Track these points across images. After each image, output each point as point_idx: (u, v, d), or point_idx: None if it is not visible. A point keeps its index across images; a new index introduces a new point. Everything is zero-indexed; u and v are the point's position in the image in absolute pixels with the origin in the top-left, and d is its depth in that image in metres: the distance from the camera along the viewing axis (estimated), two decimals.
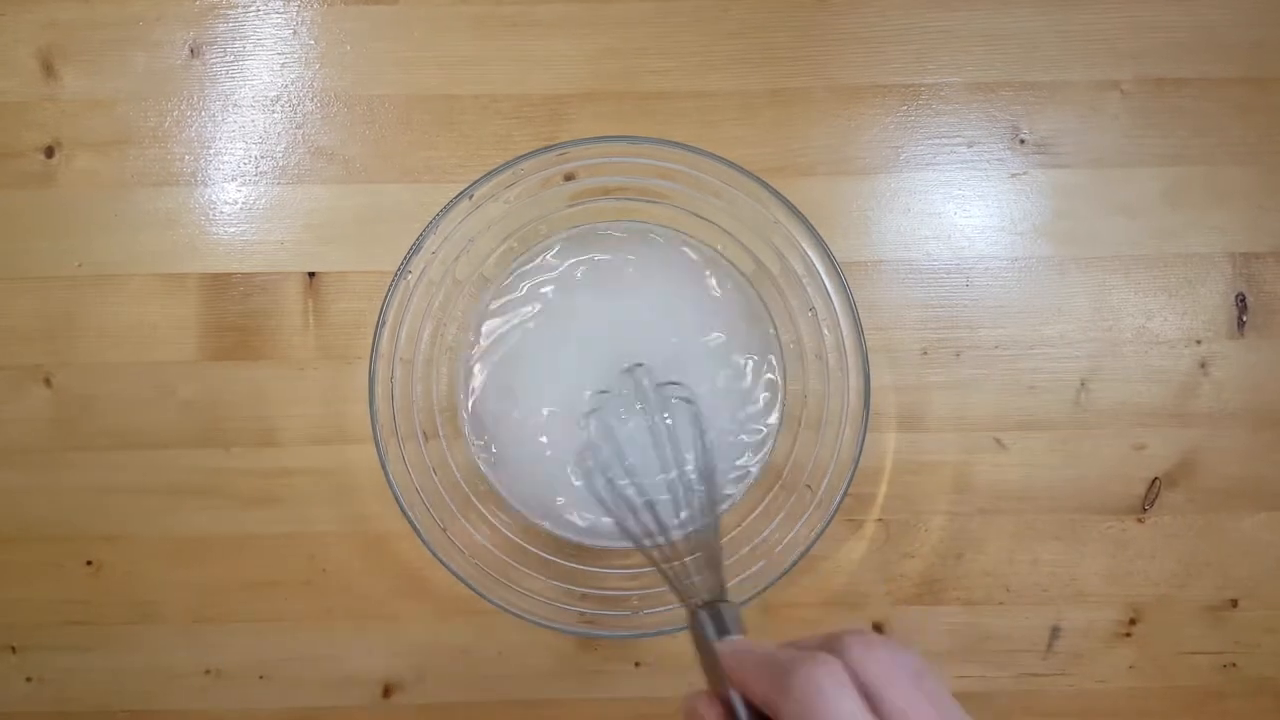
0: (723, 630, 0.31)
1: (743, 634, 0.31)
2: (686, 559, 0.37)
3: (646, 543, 0.39)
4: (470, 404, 0.50)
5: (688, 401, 0.46)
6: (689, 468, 0.44)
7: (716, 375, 0.49)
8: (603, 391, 0.48)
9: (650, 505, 0.42)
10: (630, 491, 0.43)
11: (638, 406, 0.47)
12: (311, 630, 0.52)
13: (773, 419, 0.50)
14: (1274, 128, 0.52)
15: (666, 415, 0.46)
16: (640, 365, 0.47)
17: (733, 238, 0.49)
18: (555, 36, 0.52)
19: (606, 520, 0.46)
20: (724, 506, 0.49)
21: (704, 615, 0.32)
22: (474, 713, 0.52)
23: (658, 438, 0.45)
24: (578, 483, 0.48)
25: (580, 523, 0.50)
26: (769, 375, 0.50)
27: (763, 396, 0.50)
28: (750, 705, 0.27)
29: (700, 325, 0.50)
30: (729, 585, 0.35)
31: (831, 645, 0.26)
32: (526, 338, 0.50)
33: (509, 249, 0.50)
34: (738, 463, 0.50)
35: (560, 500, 0.49)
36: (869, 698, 0.24)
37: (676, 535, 0.40)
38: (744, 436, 0.50)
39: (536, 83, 0.52)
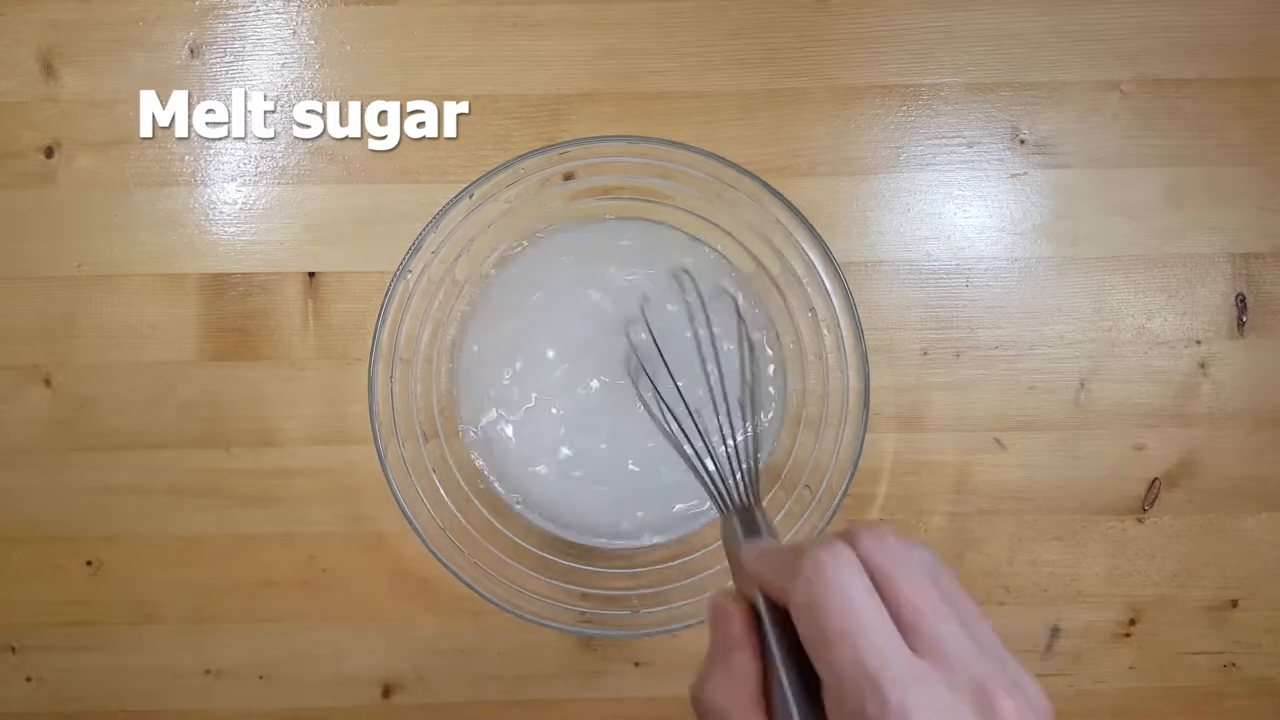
0: (752, 534, 0.32)
1: (772, 538, 0.31)
2: (724, 464, 0.37)
3: (686, 446, 0.39)
4: (468, 403, 0.50)
5: (736, 310, 0.45)
6: (734, 374, 0.44)
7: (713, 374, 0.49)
8: (646, 297, 0.48)
9: (691, 410, 0.42)
10: (672, 396, 0.43)
11: (679, 311, 0.46)
12: (311, 630, 0.52)
13: (772, 419, 0.50)
14: (1274, 128, 0.52)
15: (711, 323, 0.45)
16: (686, 273, 0.46)
17: (733, 238, 0.49)
18: (555, 36, 0.52)
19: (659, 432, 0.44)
20: (767, 417, 0.48)
21: (735, 519, 0.32)
22: (474, 713, 0.52)
23: (701, 344, 0.45)
24: (622, 380, 0.47)
25: (581, 522, 0.50)
26: (769, 376, 0.50)
27: (761, 396, 0.50)
28: (773, 604, 0.27)
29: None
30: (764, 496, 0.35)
31: (845, 536, 0.25)
32: (524, 337, 0.50)
33: (509, 248, 0.50)
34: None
35: (560, 500, 0.49)
36: (879, 587, 0.24)
37: (715, 440, 0.40)
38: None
39: (536, 83, 0.52)
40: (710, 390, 0.42)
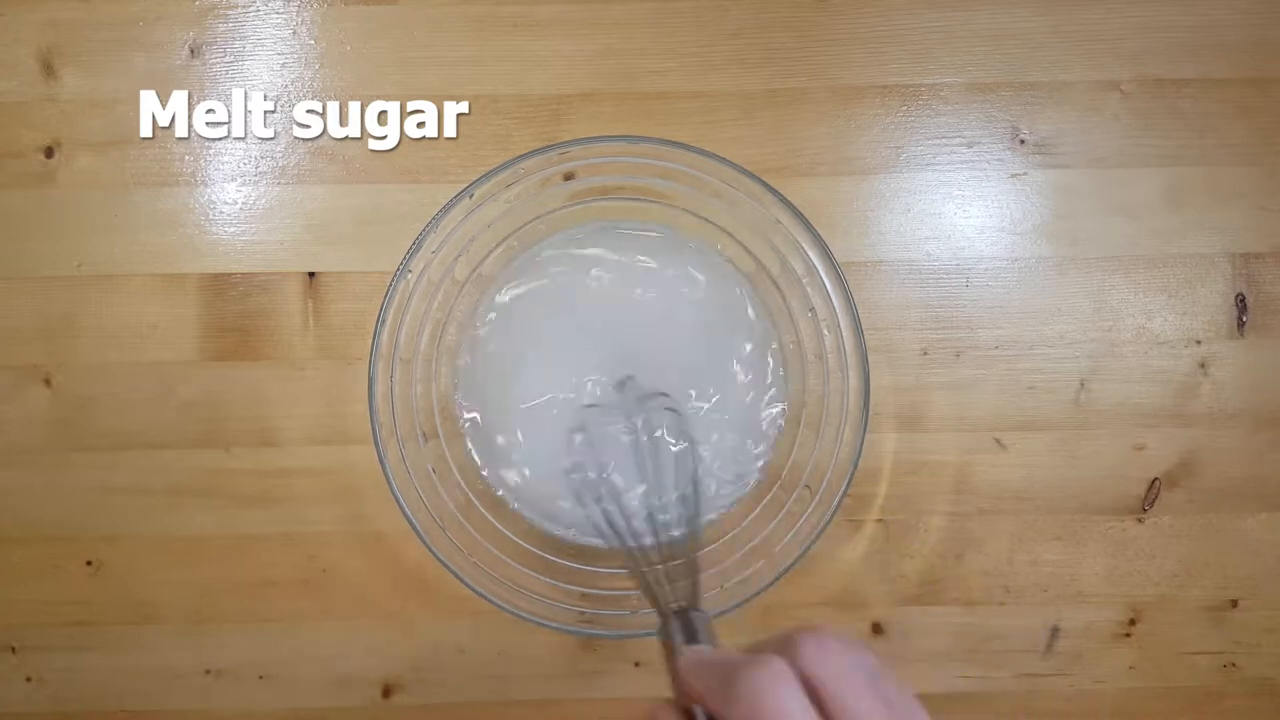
0: (691, 638, 0.31)
1: (711, 643, 0.31)
2: (663, 567, 0.37)
3: (627, 550, 0.39)
4: (468, 403, 0.50)
5: (674, 412, 0.46)
6: (674, 482, 0.44)
7: (717, 376, 0.49)
8: (590, 405, 0.48)
9: (632, 519, 0.42)
10: (614, 507, 0.43)
11: (624, 421, 0.47)
12: (311, 630, 0.52)
13: (774, 419, 0.50)
14: (1274, 128, 0.52)
15: (655, 429, 0.46)
16: (631, 378, 0.47)
17: (733, 238, 0.49)
18: (555, 36, 0.52)
19: (592, 532, 0.45)
20: (708, 518, 0.48)
21: (675, 623, 0.32)
22: (474, 713, 0.52)
23: (643, 452, 0.45)
24: (564, 503, 0.48)
25: (580, 522, 0.50)
26: (770, 376, 0.50)
27: (764, 397, 0.50)
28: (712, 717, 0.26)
29: (702, 327, 0.50)
30: (704, 595, 0.35)
31: (784, 645, 0.25)
32: (523, 336, 0.50)
33: (509, 248, 0.50)
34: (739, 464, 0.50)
35: (559, 500, 0.49)
36: (820, 699, 0.24)
37: (655, 545, 0.40)
38: (749, 442, 0.50)
39: (536, 83, 0.52)
40: (653, 499, 0.43)
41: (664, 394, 0.47)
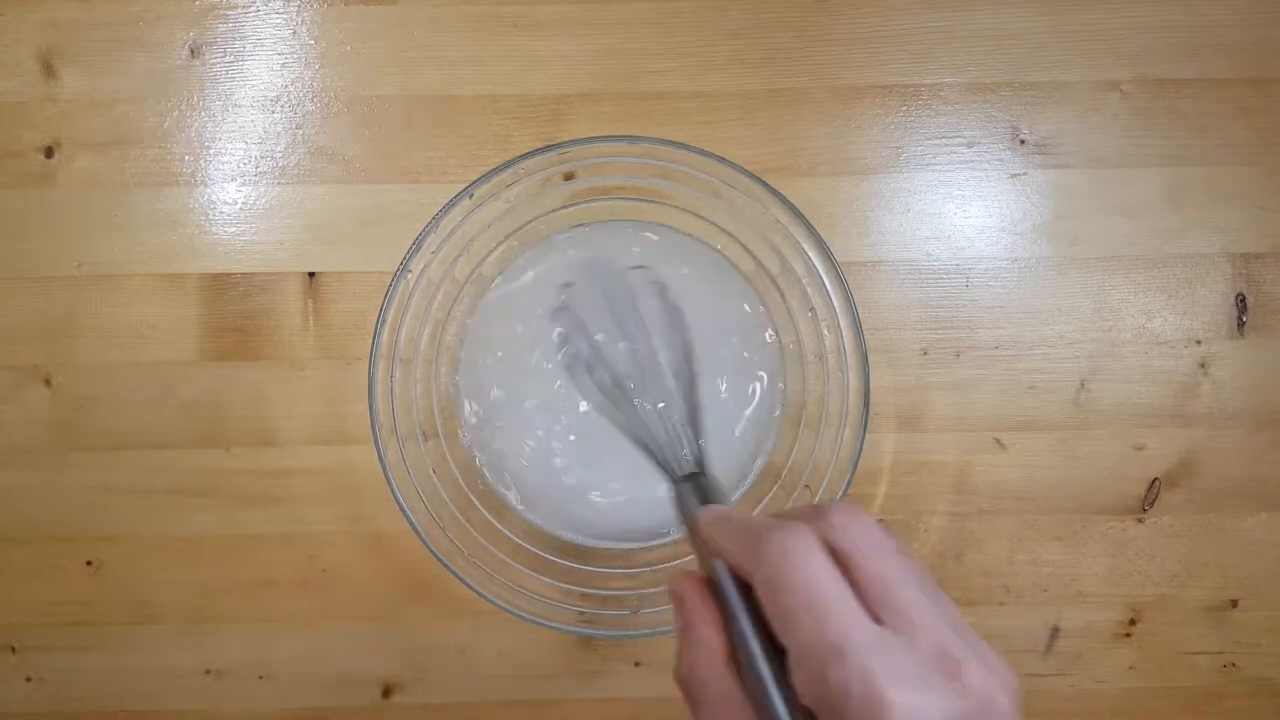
0: (705, 501, 0.32)
1: (724, 503, 0.31)
2: (666, 432, 0.37)
3: (627, 421, 0.39)
4: (466, 404, 0.50)
5: (660, 284, 0.45)
6: (665, 346, 0.44)
7: (719, 375, 0.50)
8: (568, 284, 0.47)
9: (628, 385, 0.42)
10: (607, 375, 0.43)
11: (607, 292, 0.47)
12: (311, 630, 0.52)
13: (774, 416, 0.50)
14: (1274, 128, 0.52)
15: (637, 299, 0.46)
16: (604, 257, 0.47)
17: (733, 238, 0.49)
18: (555, 36, 0.52)
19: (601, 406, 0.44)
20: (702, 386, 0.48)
21: (686, 487, 0.32)
22: (474, 713, 0.52)
23: (631, 321, 0.45)
24: (557, 374, 0.47)
25: (580, 522, 0.50)
26: (771, 375, 0.50)
27: (765, 395, 0.50)
28: (736, 577, 0.27)
29: (701, 326, 0.50)
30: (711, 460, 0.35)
31: (812, 514, 0.25)
32: (523, 336, 0.50)
33: (509, 248, 0.50)
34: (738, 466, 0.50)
35: (559, 501, 0.50)
36: (844, 565, 0.24)
37: (655, 412, 0.40)
38: (744, 441, 0.50)
39: (536, 83, 0.52)
40: (646, 364, 0.43)
41: (644, 266, 0.46)
